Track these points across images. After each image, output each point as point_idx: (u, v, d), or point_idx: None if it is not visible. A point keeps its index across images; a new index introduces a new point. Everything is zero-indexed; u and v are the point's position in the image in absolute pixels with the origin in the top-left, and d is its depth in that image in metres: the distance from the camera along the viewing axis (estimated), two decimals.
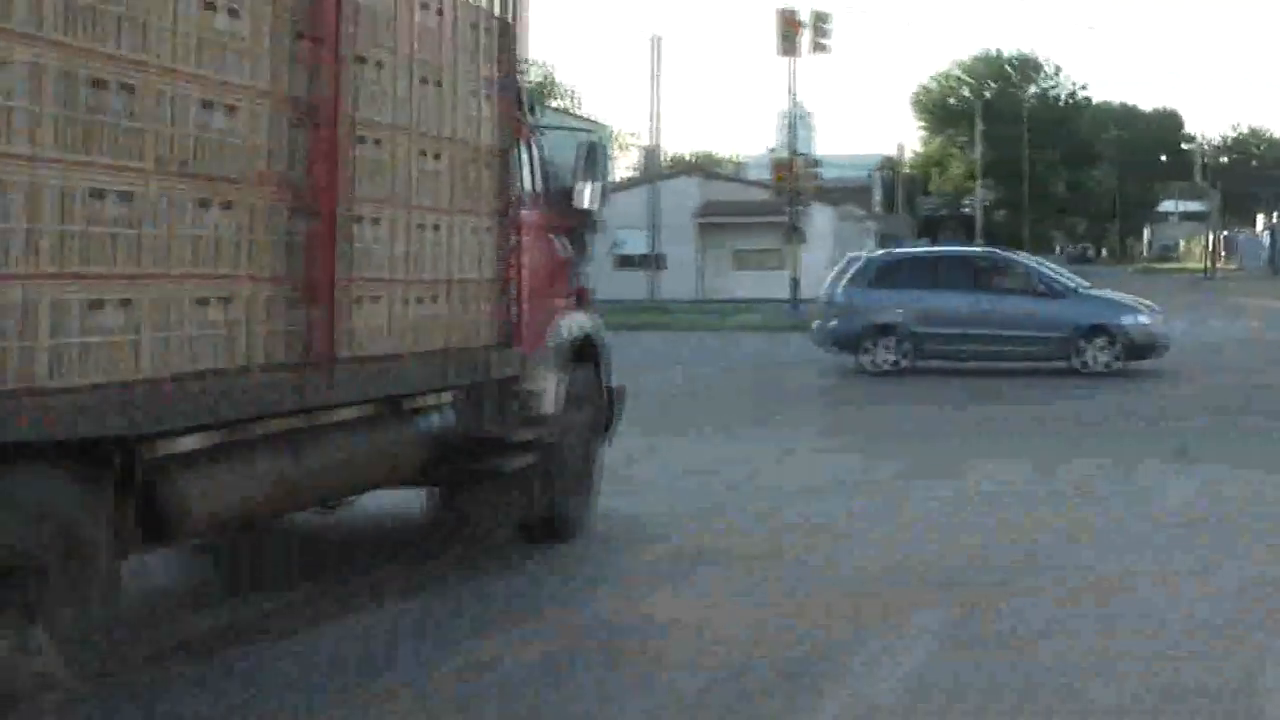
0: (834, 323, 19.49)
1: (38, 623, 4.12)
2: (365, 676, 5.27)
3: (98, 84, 3.93)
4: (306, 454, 5.55)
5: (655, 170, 45.83)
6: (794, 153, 39.36)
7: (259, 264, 4.80)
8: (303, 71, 5.01)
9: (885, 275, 19.60)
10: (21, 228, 3.65)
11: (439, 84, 6.05)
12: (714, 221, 43.04)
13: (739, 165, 56.43)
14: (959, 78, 77.98)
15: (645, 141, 50.21)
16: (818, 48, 39.84)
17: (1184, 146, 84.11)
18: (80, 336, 3.91)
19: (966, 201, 72.01)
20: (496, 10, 6.79)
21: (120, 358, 4.12)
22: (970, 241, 50.82)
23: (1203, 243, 73.29)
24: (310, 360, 5.16)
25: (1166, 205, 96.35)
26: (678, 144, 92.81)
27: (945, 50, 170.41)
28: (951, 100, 76.87)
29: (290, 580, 6.79)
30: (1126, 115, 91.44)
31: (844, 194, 49.36)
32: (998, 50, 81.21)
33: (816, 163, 42.68)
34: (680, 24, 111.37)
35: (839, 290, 19.55)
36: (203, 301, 4.53)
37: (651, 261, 42.06)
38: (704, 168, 53.85)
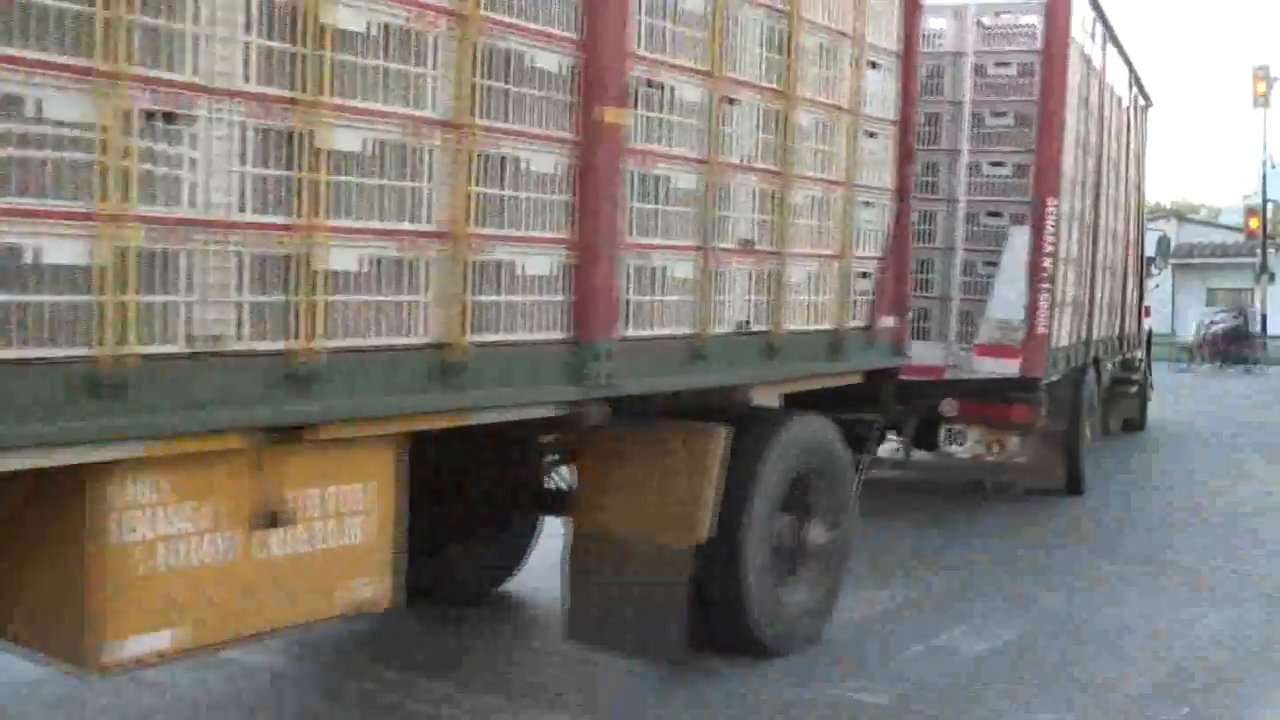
0: None
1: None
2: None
3: None
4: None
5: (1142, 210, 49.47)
6: (1265, 199, 42.34)
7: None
8: None
9: None
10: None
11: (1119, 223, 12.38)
12: (1187, 263, 45.80)
13: (1214, 211, 58.68)
14: None
15: None
16: None
17: None
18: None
19: None
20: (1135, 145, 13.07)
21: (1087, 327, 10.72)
22: None
23: None
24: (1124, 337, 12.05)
25: None
26: (1157, 193, 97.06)
27: None
28: None
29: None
30: None
31: None
32: None
33: None
34: (1160, 83, 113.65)
35: None
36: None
37: None
38: (1179, 213, 56.28)
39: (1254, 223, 41.44)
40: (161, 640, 3.67)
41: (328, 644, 6.13)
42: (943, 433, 9.90)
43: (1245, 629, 7.08)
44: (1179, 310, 45.41)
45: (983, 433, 9.89)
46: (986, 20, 9.90)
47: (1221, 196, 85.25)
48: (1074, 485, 11.30)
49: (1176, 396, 20.61)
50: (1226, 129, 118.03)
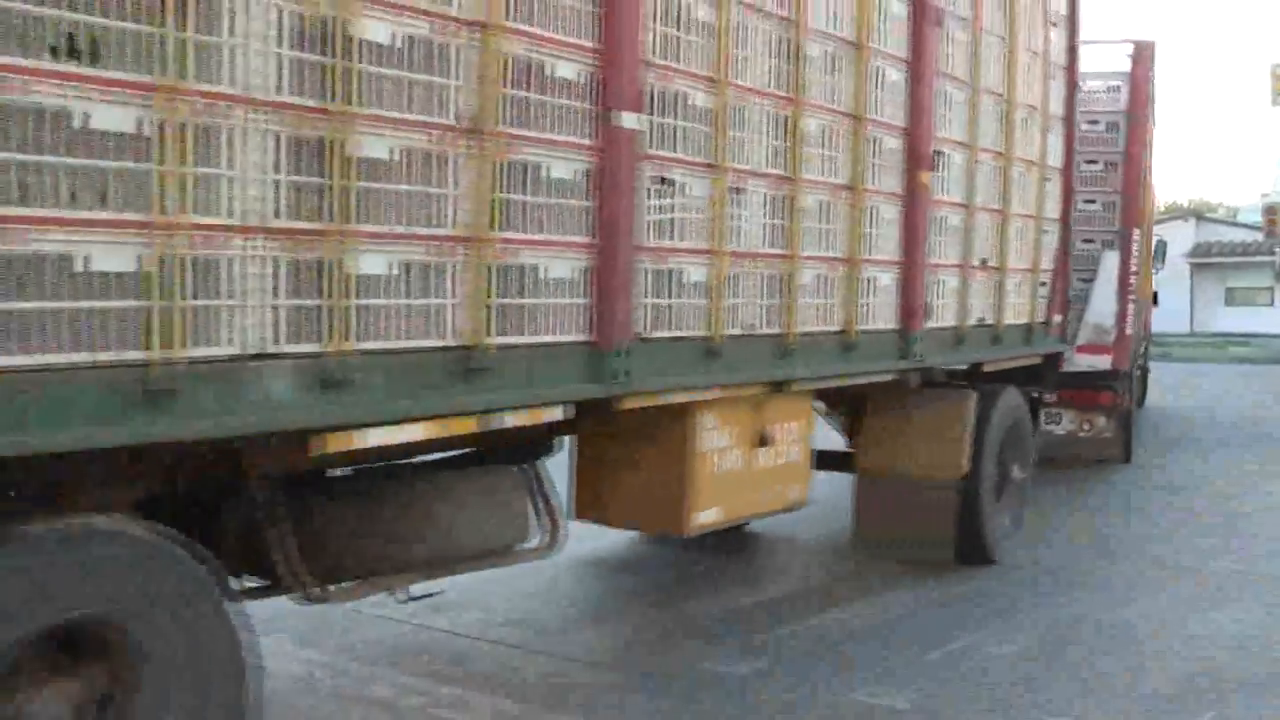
0: None
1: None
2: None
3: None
4: None
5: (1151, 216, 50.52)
6: None
7: None
8: None
9: None
10: None
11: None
12: (1205, 262, 47.10)
13: (1232, 210, 59.77)
14: None
15: None
16: None
17: None
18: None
19: None
20: None
21: (1138, 323, 12.63)
22: None
23: None
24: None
25: None
26: (1174, 192, 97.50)
27: None
28: None
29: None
30: None
31: None
32: None
33: None
34: (1177, 81, 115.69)
35: None
36: None
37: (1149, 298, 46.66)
38: (1198, 212, 57.43)
39: (1272, 220, 42.86)
40: (711, 515, 5.94)
41: (340, 651, 6.33)
42: (1043, 415, 11.97)
43: (1249, 629, 7.25)
44: (1197, 310, 46.58)
45: (1075, 414, 12.43)
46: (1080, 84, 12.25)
47: (1240, 195, 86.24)
48: (1127, 455, 13.41)
49: (1177, 395, 21.79)
50: (1244, 127, 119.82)
